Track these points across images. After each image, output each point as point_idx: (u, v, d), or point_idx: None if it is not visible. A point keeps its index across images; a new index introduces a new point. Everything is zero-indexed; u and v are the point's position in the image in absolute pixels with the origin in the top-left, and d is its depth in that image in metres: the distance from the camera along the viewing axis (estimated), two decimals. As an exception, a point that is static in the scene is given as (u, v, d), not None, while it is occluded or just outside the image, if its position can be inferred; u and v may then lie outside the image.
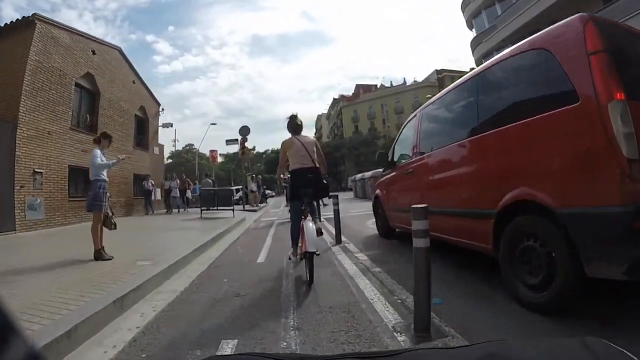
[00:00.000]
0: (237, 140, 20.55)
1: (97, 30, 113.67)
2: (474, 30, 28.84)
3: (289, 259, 5.32)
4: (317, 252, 4.32)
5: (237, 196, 26.28)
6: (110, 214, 6.53)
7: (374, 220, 8.48)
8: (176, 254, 6.12)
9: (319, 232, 4.43)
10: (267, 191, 38.77)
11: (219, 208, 14.38)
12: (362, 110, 76.63)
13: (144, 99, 21.68)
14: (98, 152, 6.49)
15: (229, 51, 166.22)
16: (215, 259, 6.56)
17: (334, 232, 7.67)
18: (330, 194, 6.42)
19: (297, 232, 4.93)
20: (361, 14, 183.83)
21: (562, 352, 0.76)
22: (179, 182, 19.77)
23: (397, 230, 6.98)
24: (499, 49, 24.40)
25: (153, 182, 19.01)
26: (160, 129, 23.95)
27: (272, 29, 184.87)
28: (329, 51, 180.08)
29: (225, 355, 1.36)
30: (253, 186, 22.10)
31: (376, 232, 8.10)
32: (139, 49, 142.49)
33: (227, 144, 22.31)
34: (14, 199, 11.14)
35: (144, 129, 21.69)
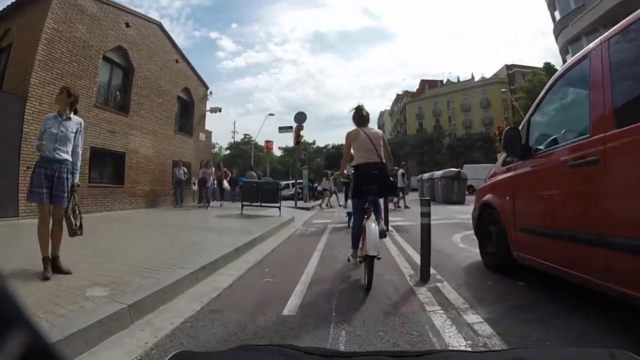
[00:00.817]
0: (291, 127, 18.26)
1: None
2: (557, 13, 25.10)
3: (348, 260, 4.82)
4: (379, 256, 3.95)
5: (290, 191, 24.37)
6: (73, 212, 4.24)
7: (461, 234, 7.07)
8: (161, 279, 3.86)
9: (382, 234, 4.28)
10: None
11: (262, 204, 12.03)
12: (427, 107, 73.03)
13: (189, 81, 19.75)
14: (48, 117, 4.28)
15: (291, 47, 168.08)
16: (222, 291, 4.06)
17: (409, 253, 5.90)
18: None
19: (358, 233, 4.52)
20: (423, 8, 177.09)
21: None
22: (214, 170, 16.60)
23: (521, 261, 4.04)
24: (589, 32, 21.00)
25: (186, 170, 16.43)
26: (208, 113, 22.04)
27: (333, 25, 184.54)
28: (391, 48, 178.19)
29: (255, 345, 0.95)
30: (327, 184, 18.78)
31: (476, 258, 5.34)
32: (203, 46, 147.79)
33: (280, 132, 20.13)
34: (19, 180, 9.39)
35: (188, 112, 19.86)
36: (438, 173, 20.77)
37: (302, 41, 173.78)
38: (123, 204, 14.03)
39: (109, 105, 13.71)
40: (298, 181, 20.32)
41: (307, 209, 16.78)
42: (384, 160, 4.56)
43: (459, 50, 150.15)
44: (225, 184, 17.76)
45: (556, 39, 25.03)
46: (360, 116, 4.75)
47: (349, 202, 7.70)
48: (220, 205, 16.76)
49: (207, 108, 22.22)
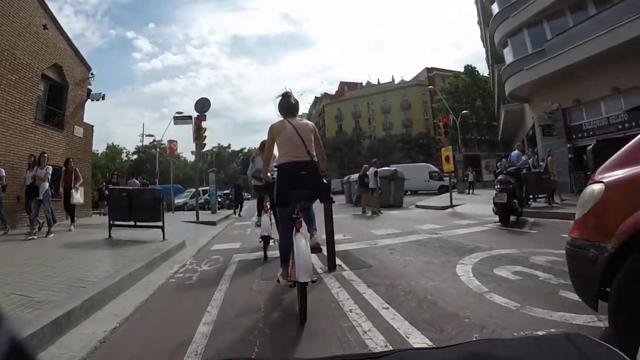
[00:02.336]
0: (190, 117, 14.39)
1: (77, 24, 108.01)
2: (495, 5, 23.83)
3: (277, 281, 4.02)
4: (314, 279, 3.31)
5: (200, 200, 20.49)
6: None
7: (464, 265, 4.88)
8: None
9: (317, 249, 3.85)
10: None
11: (137, 224, 8.19)
12: (347, 109, 72.72)
13: (62, 56, 15.01)
14: None
15: (209, 51, 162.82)
16: None
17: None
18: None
19: (287, 248, 3.87)
20: (342, 16, 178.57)
21: (547, 347, 0.76)
22: (48, 169, 9.49)
23: None
24: (532, 24, 19.58)
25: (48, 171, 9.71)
26: (89, 102, 17.17)
27: (253, 29, 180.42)
28: (310, 54, 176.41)
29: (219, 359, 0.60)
30: (372, 181, 14.11)
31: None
32: (119, 45, 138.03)
33: (175, 123, 16.13)
34: None
35: (59, 98, 15.10)
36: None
37: (221, 44, 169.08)
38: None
39: None
40: (202, 188, 16.48)
41: (213, 223, 13.05)
42: (315, 159, 3.85)
43: (379, 58, 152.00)
44: (76, 195, 10.57)
45: (493, 33, 23.66)
46: (287, 104, 4.02)
47: (264, 217, 6.36)
48: (70, 229, 10.41)
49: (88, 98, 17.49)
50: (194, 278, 5.14)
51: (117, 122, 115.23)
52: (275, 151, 4.07)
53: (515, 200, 8.90)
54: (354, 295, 3.86)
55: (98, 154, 56.71)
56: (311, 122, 4.18)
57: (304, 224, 3.91)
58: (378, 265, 5.17)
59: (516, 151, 12.77)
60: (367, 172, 14.29)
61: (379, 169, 14.71)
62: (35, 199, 9.18)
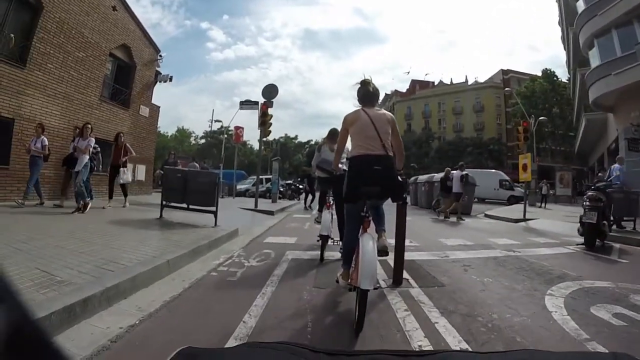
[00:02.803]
0: (256, 103, 13.99)
1: (153, 14, 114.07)
2: (580, 3, 21.56)
3: (336, 282, 3.62)
4: (377, 286, 3.29)
5: (262, 188, 20.27)
6: None
7: (555, 297, 3.99)
8: None
9: (384, 252, 3.47)
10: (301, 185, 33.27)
11: (190, 207, 7.80)
12: (417, 108, 69.93)
13: (131, 37, 15.13)
14: None
15: (281, 43, 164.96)
16: None
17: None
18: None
19: (351, 247, 3.48)
20: (415, 13, 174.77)
21: None
22: (91, 140, 8.88)
23: None
24: (621, 25, 17.51)
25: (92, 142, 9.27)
26: (162, 86, 17.47)
27: (325, 24, 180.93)
28: (382, 50, 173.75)
29: (263, 342, 0.90)
30: (457, 186, 13.24)
31: None
32: (194, 35, 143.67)
33: (241, 108, 15.84)
34: None
35: (127, 78, 15.24)
36: (439, 176, 17.00)
37: (293, 37, 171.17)
38: (6, 192, 9.75)
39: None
40: (266, 177, 16.15)
41: (271, 213, 12.54)
42: (390, 153, 3.50)
43: (453, 57, 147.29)
44: (126, 174, 10.14)
45: (579, 33, 21.50)
46: (366, 92, 3.69)
47: (325, 213, 5.68)
48: (124, 206, 10.19)
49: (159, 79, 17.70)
50: (238, 274, 4.52)
51: (189, 108, 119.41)
52: (349, 144, 3.81)
53: (604, 222, 7.69)
54: (425, 325, 3.07)
55: (168, 136, 58.97)
56: (390, 113, 3.81)
57: (372, 223, 3.52)
58: (452, 285, 4.32)
59: (617, 165, 10.98)
60: (450, 175, 13.45)
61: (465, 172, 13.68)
62: (73, 171, 8.82)
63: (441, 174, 15.18)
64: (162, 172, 11.20)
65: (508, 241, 8.09)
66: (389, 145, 3.54)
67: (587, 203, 7.66)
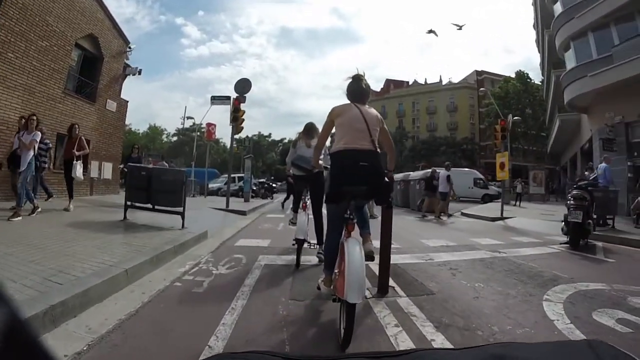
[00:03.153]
0: (228, 98, 13.49)
1: (127, 9, 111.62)
2: (558, 5, 21.66)
3: (318, 289, 3.30)
4: (367, 296, 3.23)
5: (234, 186, 19.82)
6: None
7: (554, 303, 3.72)
8: None
9: (370, 257, 3.32)
10: (275, 184, 32.81)
11: (156, 207, 7.26)
12: (391, 107, 70.20)
13: (99, 27, 14.39)
14: None
15: (257, 41, 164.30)
16: None
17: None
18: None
19: (334, 252, 3.19)
20: (392, 15, 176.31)
21: (568, 353, 0.76)
22: (36, 134, 7.42)
23: None
24: (597, 28, 17.66)
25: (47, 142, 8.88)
26: (130, 80, 16.74)
27: (301, 22, 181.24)
28: (357, 51, 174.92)
29: (233, 353, 0.91)
30: (443, 186, 13.30)
31: None
32: (168, 31, 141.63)
33: (212, 103, 15.32)
34: None
35: (93, 70, 14.47)
36: (416, 174, 16.92)
37: (269, 35, 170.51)
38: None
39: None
40: (238, 175, 15.71)
41: (244, 213, 12.05)
42: (378, 150, 3.27)
43: (428, 58, 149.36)
44: (78, 170, 8.75)
45: (554, 35, 21.74)
46: (357, 88, 3.43)
47: (300, 215, 5.23)
48: (67, 209, 8.74)
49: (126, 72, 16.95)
50: (205, 285, 4.03)
51: (163, 105, 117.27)
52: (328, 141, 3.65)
53: (589, 221, 7.55)
54: (420, 343, 2.69)
55: (139, 133, 57.56)
56: (379, 114, 3.55)
57: (356, 227, 3.21)
58: (442, 293, 3.96)
59: (603, 164, 10.95)
60: (436, 175, 13.76)
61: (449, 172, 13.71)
62: (17, 170, 7.50)
63: (417, 173, 15.11)
64: (125, 169, 10.50)
65: (491, 241, 7.92)
66: (376, 142, 3.31)
67: (572, 202, 7.52)
